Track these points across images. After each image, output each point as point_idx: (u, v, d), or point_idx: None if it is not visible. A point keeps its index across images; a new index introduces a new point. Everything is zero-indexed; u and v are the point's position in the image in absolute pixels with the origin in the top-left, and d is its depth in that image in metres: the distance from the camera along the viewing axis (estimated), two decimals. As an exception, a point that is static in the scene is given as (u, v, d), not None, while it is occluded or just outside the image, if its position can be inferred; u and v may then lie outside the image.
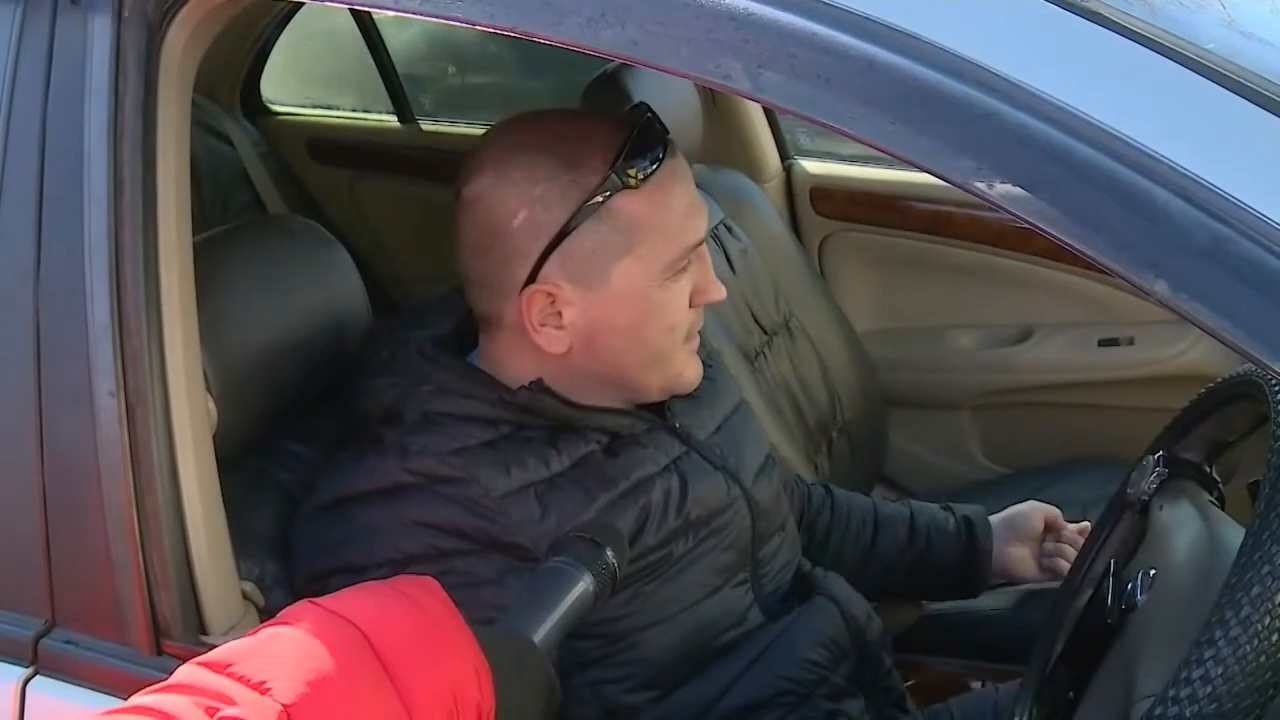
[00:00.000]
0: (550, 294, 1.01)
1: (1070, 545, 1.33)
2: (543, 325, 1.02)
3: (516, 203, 1.00)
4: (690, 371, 1.09)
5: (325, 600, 0.72)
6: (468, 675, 0.71)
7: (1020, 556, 1.35)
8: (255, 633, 0.70)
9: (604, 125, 1.02)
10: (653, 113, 1.04)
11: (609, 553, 0.87)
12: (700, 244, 1.05)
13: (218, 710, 0.63)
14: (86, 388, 0.89)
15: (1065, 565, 1.31)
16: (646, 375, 1.06)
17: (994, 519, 1.38)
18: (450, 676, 0.70)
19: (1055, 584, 1.33)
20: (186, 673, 0.67)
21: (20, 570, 0.94)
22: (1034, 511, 1.37)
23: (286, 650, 0.67)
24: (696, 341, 1.09)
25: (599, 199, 0.98)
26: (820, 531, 1.35)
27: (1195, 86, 0.68)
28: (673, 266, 1.02)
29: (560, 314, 1.01)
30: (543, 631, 0.82)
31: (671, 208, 1.01)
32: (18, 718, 0.93)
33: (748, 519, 1.13)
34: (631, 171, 0.99)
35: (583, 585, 0.85)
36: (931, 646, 1.45)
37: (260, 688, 0.64)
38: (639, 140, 1.00)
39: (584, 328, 1.02)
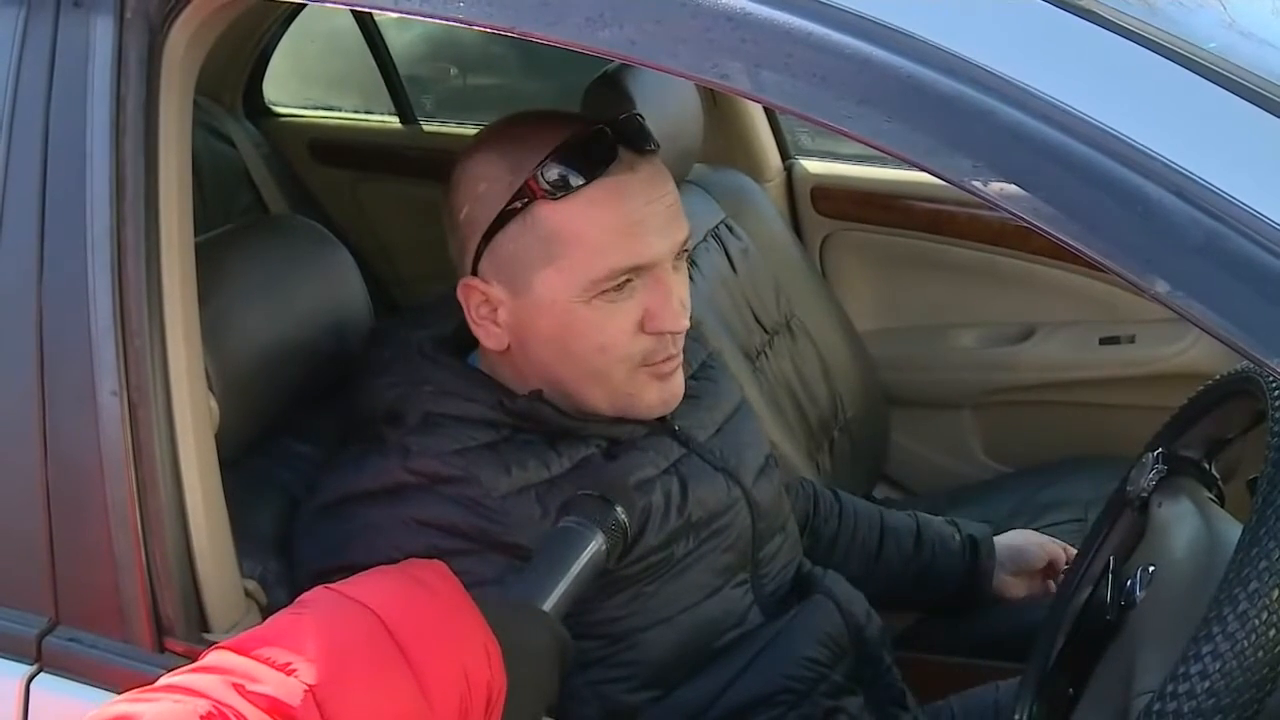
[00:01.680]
0: (483, 291, 1.02)
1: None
2: (483, 320, 1.04)
3: (465, 197, 1.02)
4: (650, 397, 1.04)
5: (341, 585, 0.74)
6: (478, 655, 0.73)
7: (1016, 585, 1.39)
8: (277, 617, 0.73)
9: (555, 131, 0.99)
10: (615, 125, 0.99)
11: (619, 509, 0.87)
12: (649, 267, 0.99)
13: (245, 687, 0.66)
14: (89, 387, 0.89)
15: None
16: (586, 391, 1.03)
17: (999, 543, 1.40)
18: (462, 658, 0.72)
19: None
20: (214, 656, 0.70)
21: (24, 568, 0.94)
22: (1040, 550, 1.40)
23: (308, 635, 0.70)
24: (666, 368, 1.03)
25: (517, 205, 0.98)
26: (826, 538, 1.36)
27: (1192, 85, 0.68)
28: (597, 286, 0.98)
29: (496, 310, 1.03)
30: (556, 595, 0.83)
31: (602, 224, 0.97)
32: (22, 715, 0.93)
33: (748, 520, 1.13)
34: (555, 181, 0.97)
35: (594, 545, 0.86)
36: (932, 644, 1.45)
37: (286, 669, 0.67)
38: (571, 150, 0.97)
39: (514, 328, 1.03)
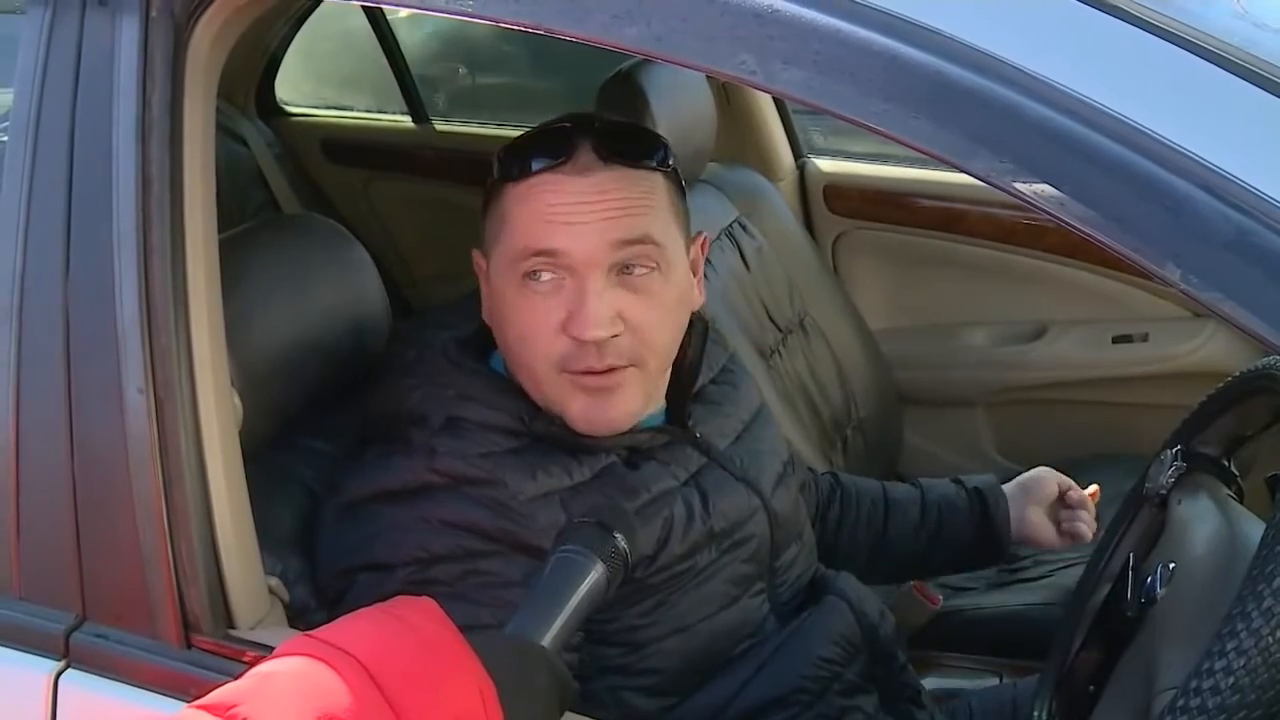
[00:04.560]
0: (481, 264, 1.07)
1: (1082, 508, 1.32)
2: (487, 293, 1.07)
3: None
4: (572, 409, 1.00)
5: (323, 632, 0.71)
6: (471, 698, 0.70)
7: (1040, 522, 1.33)
8: (256, 670, 0.69)
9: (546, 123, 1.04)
10: (588, 126, 1.00)
11: (618, 537, 0.85)
12: (573, 267, 0.97)
13: None
14: (115, 384, 0.90)
15: (1084, 528, 1.31)
16: (528, 382, 1.02)
17: (1008, 486, 1.36)
18: (453, 702, 0.69)
19: (1078, 560, 1.31)
20: (187, 716, 0.66)
21: (52, 564, 0.94)
22: (1047, 476, 1.35)
23: (288, 689, 0.66)
24: (590, 382, 0.99)
25: (492, 187, 1.03)
26: (831, 522, 1.35)
27: (1219, 80, 0.68)
28: (515, 267, 0.99)
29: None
30: (555, 628, 0.80)
31: (531, 209, 0.99)
32: (50, 711, 0.93)
33: (767, 530, 1.12)
34: (509, 166, 1.00)
35: (594, 575, 0.83)
36: (948, 643, 1.45)
37: None
38: (530, 140, 1.01)
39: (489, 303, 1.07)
